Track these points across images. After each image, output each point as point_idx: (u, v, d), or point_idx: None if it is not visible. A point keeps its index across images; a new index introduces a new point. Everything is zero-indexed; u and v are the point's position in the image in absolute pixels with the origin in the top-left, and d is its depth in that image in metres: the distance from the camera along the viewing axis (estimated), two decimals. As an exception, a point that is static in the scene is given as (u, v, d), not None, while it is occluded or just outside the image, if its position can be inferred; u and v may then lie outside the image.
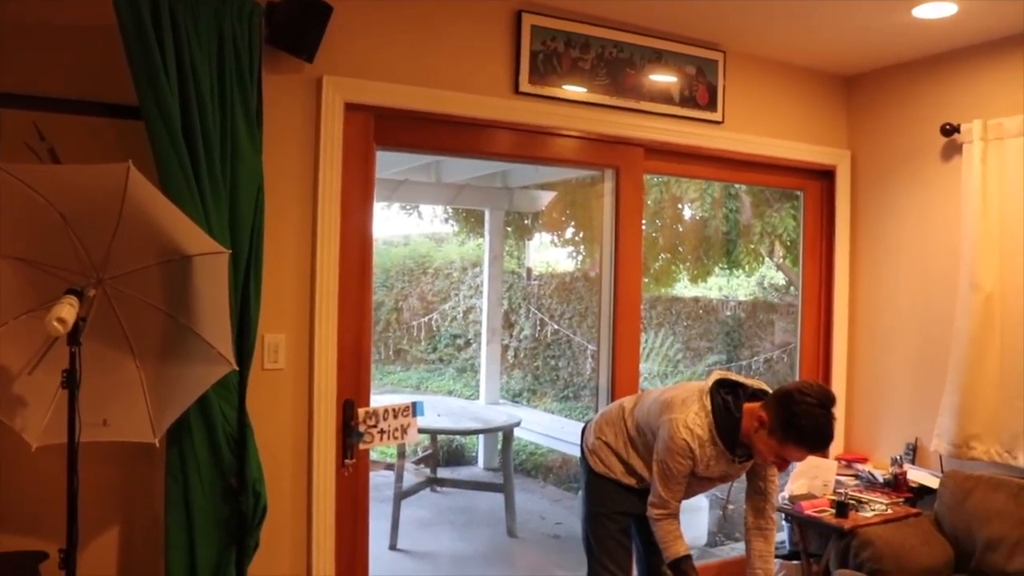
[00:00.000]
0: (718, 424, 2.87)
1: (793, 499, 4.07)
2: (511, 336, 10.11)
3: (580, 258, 10.03)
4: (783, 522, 4.41)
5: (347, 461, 3.35)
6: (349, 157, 3.34)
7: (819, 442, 2.71)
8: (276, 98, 3.11)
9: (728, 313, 9.34)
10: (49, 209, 2.34)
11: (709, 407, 2.89)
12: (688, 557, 2.91)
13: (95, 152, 2.78)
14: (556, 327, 9.91)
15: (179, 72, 2.68)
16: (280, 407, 3.22)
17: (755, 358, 8.84)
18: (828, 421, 2.69)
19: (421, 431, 6.23)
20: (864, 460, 4.52)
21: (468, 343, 10.55)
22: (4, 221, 2.33)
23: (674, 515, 2.98)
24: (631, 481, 3.17)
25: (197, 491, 2.80)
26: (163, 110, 2.63)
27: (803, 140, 4.62)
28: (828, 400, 2.71)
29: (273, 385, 3.19)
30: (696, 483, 3.04)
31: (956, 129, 4.11)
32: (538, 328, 10.11)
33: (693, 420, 2.88)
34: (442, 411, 7.04)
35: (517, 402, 9.65)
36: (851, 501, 3.93)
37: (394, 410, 3.40)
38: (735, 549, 5.56)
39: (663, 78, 4.11)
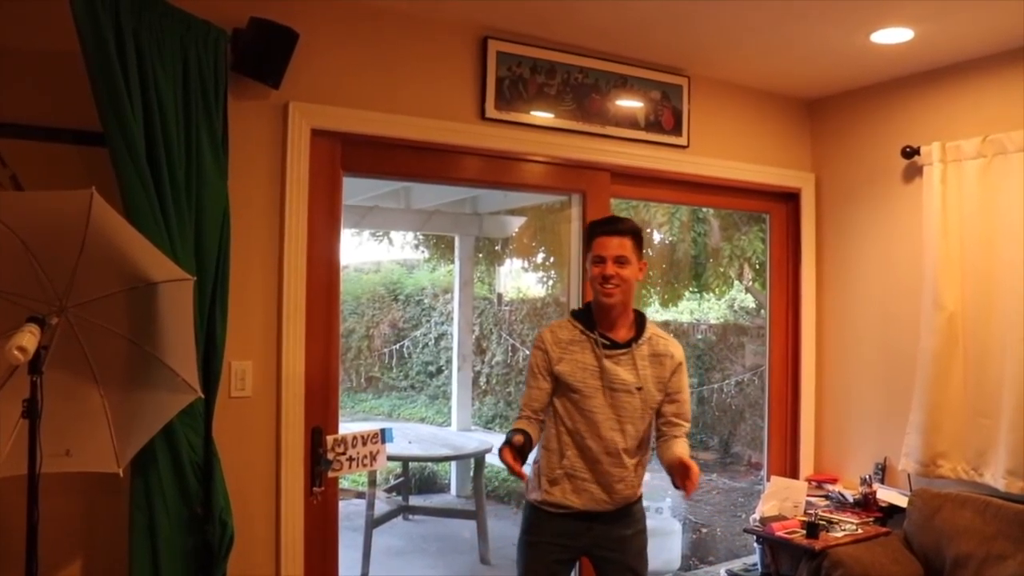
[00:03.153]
0: (575, 314, 3.10)
1: (764, 521, 4.08)
2: (482, 362, 10.09)
3: (550, 283, 10.05)
4: (755, 544, 4.41)
5: (315, 489, 3.31)
6: (316, 183, 3.33)
7: (607, 222, 3.06)
8: (242, 124, 3.10)
9: (699, 336, 9.38)
10: (10, 236, 2.31)
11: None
12: (516, 430, 2.94)
13: (58, 179, 2.76)
14: (528, 353, 9.89)
15: (144, 98, 2.67)
16: (247, 435, 3.19)
17: (726, 381, 8.87)
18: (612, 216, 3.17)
19: (392, 459, 6.22)
20: (834, 481, 4.54)
21: (440, 370, 10.52)
22: (-37, 248, 2.31)
23: (527, 417, 3.04)
24: (574, 500, 3.03)
25: (163, 522, 2.75)
26: (127, 136, 2.61)
27: (768, 163, 4.67)
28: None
29: (240, 413, 3.16)
30: (588, 411, 3.00)
31: (916, 151, 4.18)
32: (509, 354, 10.10)
33: (555, 322, 3.14)
34: (413, 438, 7.01)
35: (489, 428, 9.62)
36: (821, 522, 3.94)
37: (363, 437, 3.37)
38: (709, 573, 5.57)
39: (628, 103, 4.14)
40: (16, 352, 2.12)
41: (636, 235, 3.02)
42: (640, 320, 3.09)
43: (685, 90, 4.32)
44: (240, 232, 3.04)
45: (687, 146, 4.34)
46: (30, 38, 2.82)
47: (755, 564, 4.44)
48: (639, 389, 3.00)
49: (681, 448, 2.98)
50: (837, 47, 3.91)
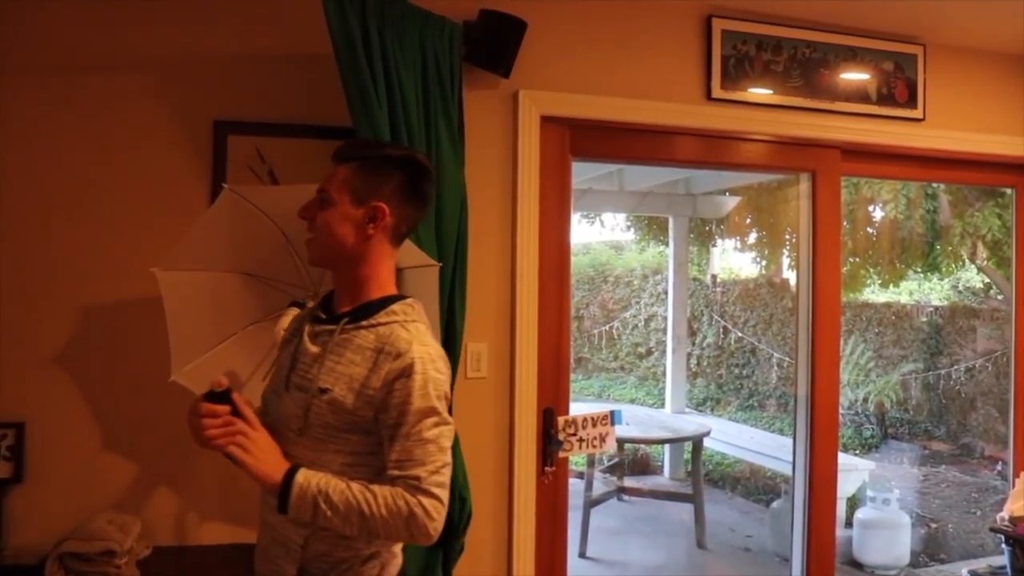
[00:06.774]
0: None
1: (1014, 520, 3.82)
2: (693, 344, 9.98)
3: (764, 264, 9.80)
4: (1003, 545, 4.13)
5: (547, 468, 3.39)
6: (546, 168, 3.39)
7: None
8: (475, 113, 3.20)
9: (923, 319, 8.90)
10: (274, 228, 2.50)
11: None
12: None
13: (307, 172, 2.93)
14: (740, 334, 9.71)
15: (388, 92, 2.81)
16: (483, 415, 3.30)
17: (955, 367, 8.37)
18: None
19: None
20: (1092, 477, 4.19)
21: (650, 351, 10.50)
22: (236, 238, 2.51)
23: None
24: None
25: (408, 494, 2.89)
26: (374, 128, 2.75)
27: (1013, 133, 4.33)
28: None
29: (476, 393, 3.28)
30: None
31: None
32: (721, 336, 9.94)
33: None
34: (630, 420, 7.03)
35: (701, 411, 9.52)
36: (1080, 521, 3.66)
37: (593, 419, 3.42)
38: (941, 571, 5.28)
39: (859, 76, 3.96)
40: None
41: (367, 162, 1.97)
42: (380, 304, 1.94)
43: (920, 59, 4.08)
44: (475, 218, 3.14)
45: (923, 119, 4.10)
46: (280, 43, 3.07)
47: (1003, 567, 4.14)
48: (323, 391, 1.87)
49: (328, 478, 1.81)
50: (1100, 4, 3.58)
